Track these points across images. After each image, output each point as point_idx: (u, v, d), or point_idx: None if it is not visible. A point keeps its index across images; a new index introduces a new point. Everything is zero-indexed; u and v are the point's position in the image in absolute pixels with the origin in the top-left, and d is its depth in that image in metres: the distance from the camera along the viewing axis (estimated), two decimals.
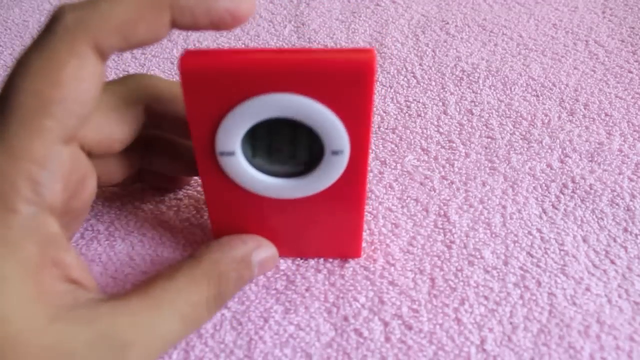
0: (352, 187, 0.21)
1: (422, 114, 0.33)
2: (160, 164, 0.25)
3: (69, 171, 0.18)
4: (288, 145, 0.20)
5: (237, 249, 0.22)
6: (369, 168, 0.24)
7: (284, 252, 0.24)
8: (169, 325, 0.19)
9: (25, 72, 0.16)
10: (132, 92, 0.21)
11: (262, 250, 0.23)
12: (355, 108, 0.18)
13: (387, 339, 0.22)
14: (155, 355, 0.19)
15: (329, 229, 0.23)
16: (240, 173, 0.20)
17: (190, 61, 0.17)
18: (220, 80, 0.18)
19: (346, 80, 0.18)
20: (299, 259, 0.25)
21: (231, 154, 0.19)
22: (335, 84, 0.18)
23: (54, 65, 0.16)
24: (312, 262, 0.25)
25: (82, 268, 0.19)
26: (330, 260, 0.25)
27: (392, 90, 0.35)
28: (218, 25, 0.17)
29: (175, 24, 0.17)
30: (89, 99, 0.17)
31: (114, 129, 0.20)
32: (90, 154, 0.20)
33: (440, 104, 0.34)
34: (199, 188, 0.29)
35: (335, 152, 0.20)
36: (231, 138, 0.19)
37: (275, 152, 0.20)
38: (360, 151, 0.20)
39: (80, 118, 0.17)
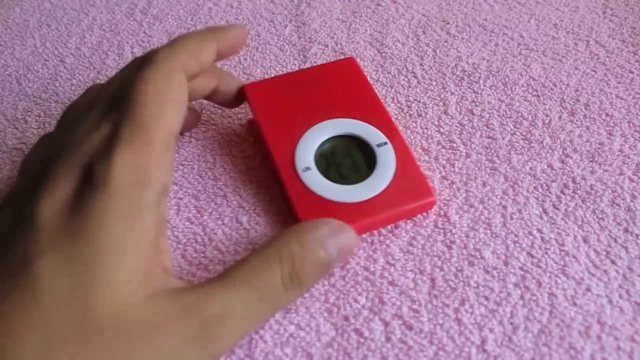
0: (409, 179, 0.27)
1: (423, 114, 0.33)
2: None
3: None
4: (346, 158, 0.27)
5: (309, 230, 0.23)
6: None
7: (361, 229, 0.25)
8: (246, 301, 0.20)
9: (144, 82, 0.21)
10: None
11: (339, 234, 0.23)
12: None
13: (388, 339, 0.22)
14: (240, 329, 0.20)
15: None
16: (318, 183, 0.26)
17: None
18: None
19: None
20: None
21: (308, 169, 0.26)
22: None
23: (166, 75, 0.22)
24: None
25: (170, 256, 0.21)
26: None
27: (392, 90, 0.35)
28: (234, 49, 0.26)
29: (219, 52, 0.25)
30: (185, 101, 0.22)
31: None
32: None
33: (441, 104, 0.34)
34: (199, 187, 0.28)
35: (379, 145, 0.27)
36: (307, 155, 0.27)
37: (340, 166, 0.27)
38: (397, 141, 0.28)
39: (180, 114, 0.22)
